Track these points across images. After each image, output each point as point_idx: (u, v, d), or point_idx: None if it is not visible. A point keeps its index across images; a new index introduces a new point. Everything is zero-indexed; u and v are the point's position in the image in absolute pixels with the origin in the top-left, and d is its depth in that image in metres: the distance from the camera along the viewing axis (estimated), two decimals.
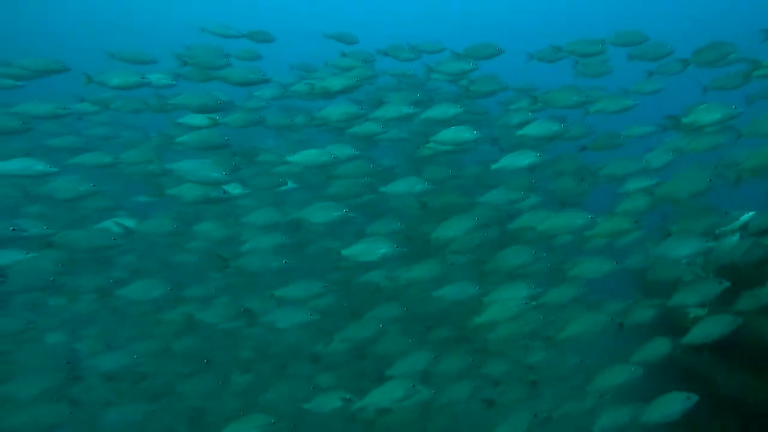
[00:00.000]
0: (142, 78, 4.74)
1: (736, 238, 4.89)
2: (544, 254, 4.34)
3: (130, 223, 4.77)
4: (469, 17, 23.55)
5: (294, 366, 5.27)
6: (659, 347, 4.07)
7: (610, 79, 5.35)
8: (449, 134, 4.64)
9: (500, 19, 22.57)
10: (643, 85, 5.17)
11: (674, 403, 3.72)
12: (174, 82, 5.24)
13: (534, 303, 3.95)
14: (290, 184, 5.15)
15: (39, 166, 4.30)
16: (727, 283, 4.02)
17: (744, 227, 4.86)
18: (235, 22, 6.12)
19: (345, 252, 4.35)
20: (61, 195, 4.31)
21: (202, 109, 4.78)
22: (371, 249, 4.32)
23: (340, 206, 4.58)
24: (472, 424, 5.03)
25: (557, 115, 5.07)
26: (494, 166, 4.50)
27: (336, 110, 4.99)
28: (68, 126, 6.12)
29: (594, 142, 5.12)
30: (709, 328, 3.89)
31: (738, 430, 4.54)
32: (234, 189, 4.58)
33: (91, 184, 4.31)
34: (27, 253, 3.97)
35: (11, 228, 3.95)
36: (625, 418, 3.78)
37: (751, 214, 4.91)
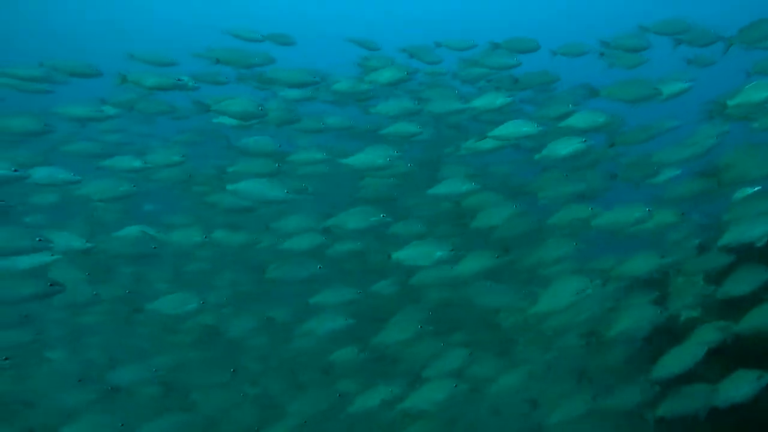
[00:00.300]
0: (178, 80, 4.66)
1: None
2: (584, 246, 4.22)
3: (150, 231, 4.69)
4: (468, 17, 23.61)
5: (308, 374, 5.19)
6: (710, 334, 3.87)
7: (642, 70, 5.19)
8: (510, 128, 4.36)
9: (500, 18, 22.61)
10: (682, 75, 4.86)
11: (745, 383, 3.58)
12: (197, 85, 5.13)
13: (590, 291, 3.74)
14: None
15: (64, 174, 4.29)
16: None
17: None
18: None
19: (397, 255, 4.12)
20: (100, 196, 4.31)
21: (243, 116, 4.66)
22: (426, 253, 4.09)
23: (376, 211, 4.44)
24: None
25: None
26: (538, 156, 4.33)
27: (391, 105, 4.87)
28: (83, 130, 6.05)
29: (625, 136, 4.93)
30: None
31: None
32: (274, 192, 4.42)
33: (132, 185, 4.28)
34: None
35: (37, 238, 3.83)
36: (692, 402, 3.66)
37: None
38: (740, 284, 3.78)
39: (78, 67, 5.00)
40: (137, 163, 4.69)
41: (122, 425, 3.93)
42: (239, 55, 4.98)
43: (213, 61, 5.02)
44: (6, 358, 3.93)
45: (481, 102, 4.66)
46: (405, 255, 4.09)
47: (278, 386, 5.11)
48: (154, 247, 4.29)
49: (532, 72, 5.36)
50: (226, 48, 4.97)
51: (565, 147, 4.22)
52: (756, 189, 4.27)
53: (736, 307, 3.85)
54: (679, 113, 4.94)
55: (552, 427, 4.03)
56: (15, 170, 3.55)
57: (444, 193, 4.59)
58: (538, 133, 4.33)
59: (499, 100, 4.63)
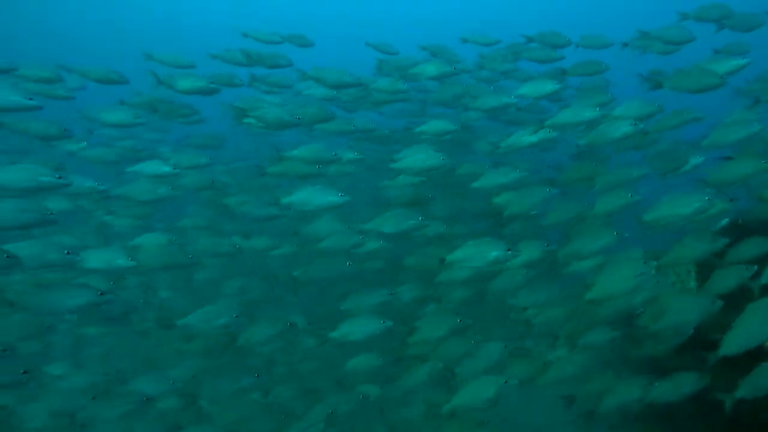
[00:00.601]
0: (211, 83, 4.56)
1: None
2: (627, 234, 4.09)
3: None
4: (466, 16, 23.70)
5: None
6: None
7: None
8: (569, 115, 4.19)
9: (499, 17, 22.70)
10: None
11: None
12: (218, 87, 5.07)
13: (650, 274, 3.64)
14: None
15: (90, 182, 4.27)
16: None
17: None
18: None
19: (451, 257, 3.92)
20: (140, 197, 4.30)
21: (278, 125, 4.57)
22: (480, 253, 3.91)
23: (414, 214, 4.35)
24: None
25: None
26: (583, 142, 4.23)
27: (489, 100, 4.77)
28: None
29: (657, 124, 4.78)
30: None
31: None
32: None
33: (170, 187, 4.22)
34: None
35: (66, 251, 3.70)
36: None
37: None
38: None
39: (105, 74, 4.97)
40: (166, 169, 4.61)
41: None
42: (268, 56, 4.91)
43: (241, 60, 4.97)
44: (24, 372, 3.83)
45: (530, 89, 4.57)
46: (460, 256, 3.92)
47: (293, 393, 4.95)
48: (191, 257, 4.22)
49: (581, 62, 5.30)
50: (256, 49, 4.90)
51: (616, 130, 4.11)
52: None
53: None
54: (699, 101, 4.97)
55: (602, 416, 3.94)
56: (59, 177, 3.49)
57: (490, 185, 4.51)
58: (596, 119, 4.22)
59: (548, 86, 4.54)
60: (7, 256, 2.99)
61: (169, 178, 4.61)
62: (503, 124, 5.82)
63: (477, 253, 3.89)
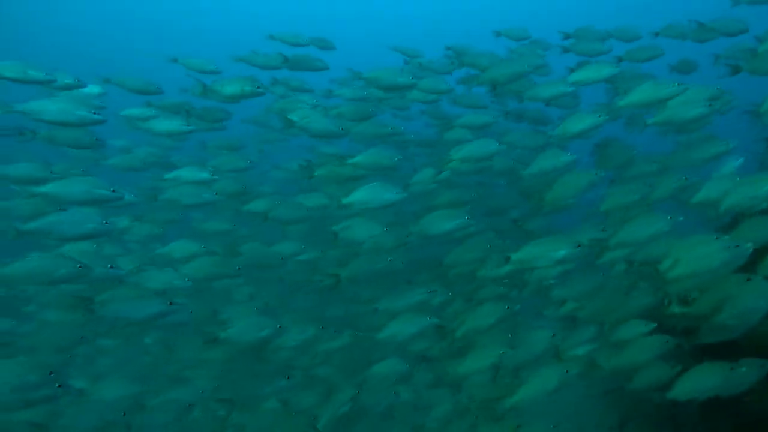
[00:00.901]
0: (258, 87, 4.52)
1: None
2: (682, 218, 3.94)
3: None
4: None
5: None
6: None
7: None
8: (642, 94, 4.03)
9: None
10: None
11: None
12: (264, 91, 4.93)
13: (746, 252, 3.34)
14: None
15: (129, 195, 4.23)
16: None
17: None
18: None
19: (516, 256, 3.80)
20: (187, 200, 4.38)
21: (325, 134, 4.54)
22: (547, 252, 3.79)
23: (460, 213, 4.35)
24: None
25: None
26: (652, 120, 4.10)
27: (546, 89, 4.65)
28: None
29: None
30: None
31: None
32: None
33: (215, 192, 4.26)
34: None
35: (108, 266, 3.82)
36: None
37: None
38: None
39: (143, 86, 4.97)
40: (204, 175, 4.56)
41: None
42: (303, 59, 4.88)
43: (269, 63, 4.93)
44: (59, 385, 3.75)
45: (586, 74, 4.47)
46: (524, 256, 3.80)
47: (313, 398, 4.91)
48: (239, 269, 4.22)
49: (635, 48, 5.26)
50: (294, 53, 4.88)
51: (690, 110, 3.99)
52: None
53: None
54: None
55: None
56: (113, 190, 3.62)
57: (542, 169, 4.43)
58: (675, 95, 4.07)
59: (605, 70, 4.47)
60: (80, 266, 3.08)
61: (207, 184, 4.58)
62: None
63: (543, 252, 3.76)
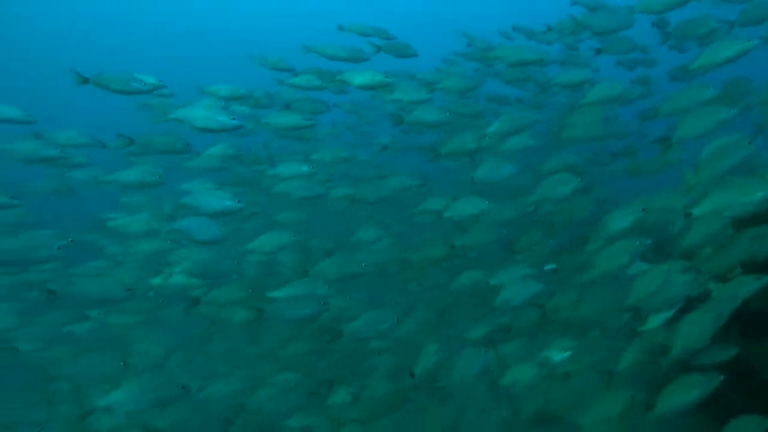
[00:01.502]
0: (386, 76, 4.44)
1: None
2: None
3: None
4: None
5: None
6: None
7: None
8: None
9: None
10: None
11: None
12: (393, 81, 4.71)
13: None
14: None
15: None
16: None
17: None
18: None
19: (699, 210, 3.04)
20: (300, 194, 4.47)
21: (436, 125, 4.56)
22: (740, 195, 2.90)
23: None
24: None
25: None
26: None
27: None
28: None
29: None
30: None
31: None
32: None
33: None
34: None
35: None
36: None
37: None
38: None
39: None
40: (305, 168, 4.61)
41: None
42: (398, 46, 4.93)
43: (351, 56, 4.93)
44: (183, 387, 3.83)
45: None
46: (711, 206, 3.02)
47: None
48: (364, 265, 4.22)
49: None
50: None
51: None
52: None
53: None
54: None
55: None
56: (238, 201, 3.88)
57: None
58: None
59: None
60: None
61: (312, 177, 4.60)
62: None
63: (735, 196, 2.92)
